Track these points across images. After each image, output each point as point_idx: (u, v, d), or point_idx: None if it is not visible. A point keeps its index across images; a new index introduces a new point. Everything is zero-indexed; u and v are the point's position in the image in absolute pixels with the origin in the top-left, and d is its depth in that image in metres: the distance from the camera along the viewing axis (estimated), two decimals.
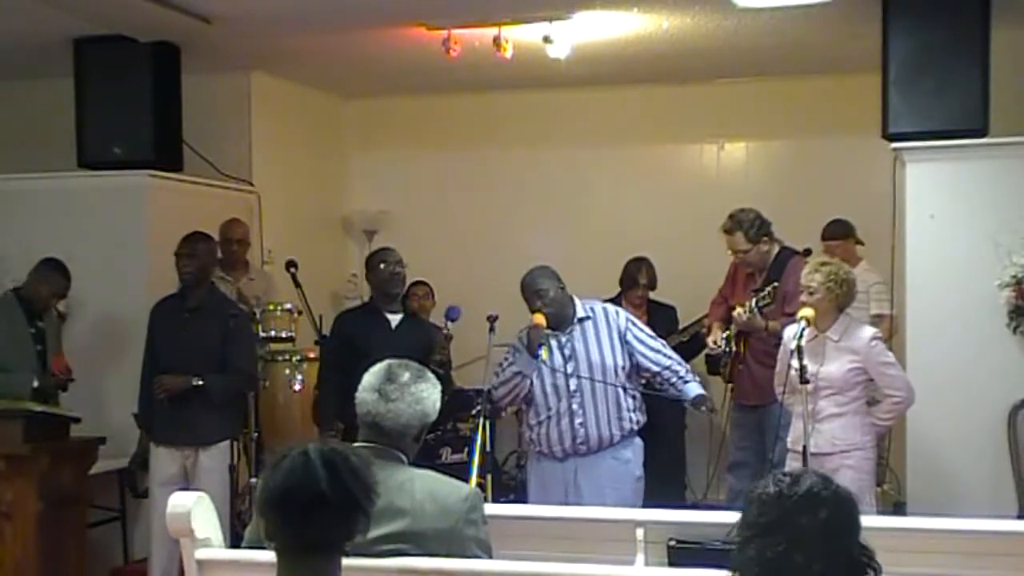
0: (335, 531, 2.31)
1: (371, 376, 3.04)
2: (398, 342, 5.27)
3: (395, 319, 5.62)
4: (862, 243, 6.82)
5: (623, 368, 5.03)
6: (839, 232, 6.77)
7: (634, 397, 5.07)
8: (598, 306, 5.17)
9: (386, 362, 3.08)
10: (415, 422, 3.01)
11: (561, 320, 5.04)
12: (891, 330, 6.20)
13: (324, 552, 2.33)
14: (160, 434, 5.56)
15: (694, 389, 5.12)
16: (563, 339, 5.04)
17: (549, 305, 4.99)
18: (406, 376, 3.02)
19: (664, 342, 5.26)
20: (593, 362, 4.99)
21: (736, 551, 2.18)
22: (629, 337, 5.05)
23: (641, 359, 5.06)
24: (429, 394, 3.04)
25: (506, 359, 5.13)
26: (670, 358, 5.13)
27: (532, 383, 5.07)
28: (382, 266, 5.64)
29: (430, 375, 3.10)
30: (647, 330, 5.20)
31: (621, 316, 5.13)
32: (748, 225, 5.71)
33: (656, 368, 5.08)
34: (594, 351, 5.01)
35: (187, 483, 5.44)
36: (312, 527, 2.29)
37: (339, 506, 2.29)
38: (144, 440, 5.72)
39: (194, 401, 5.44)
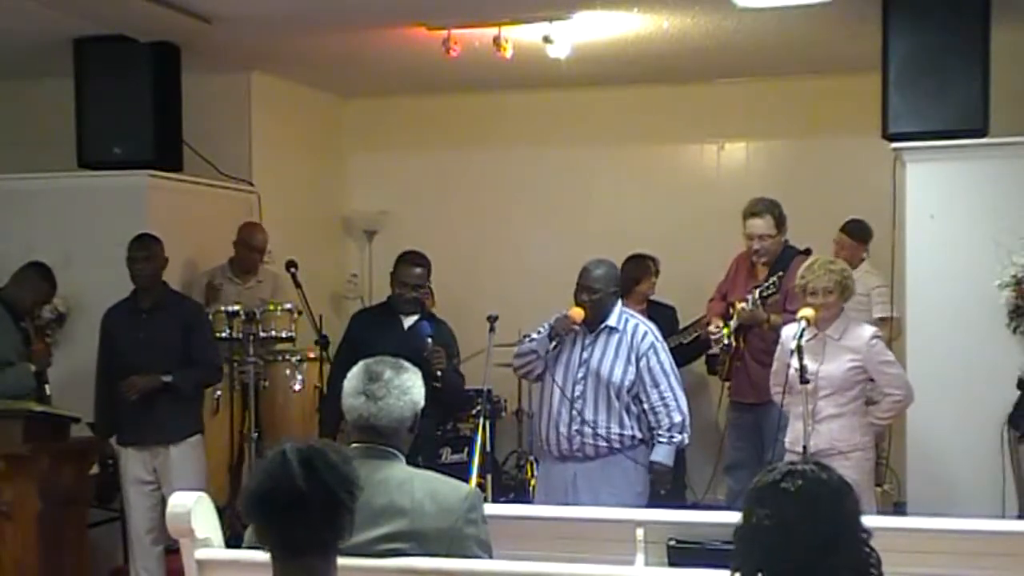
0: (319, 529, 2.29)
1: (352, 380, 3.02)
2: (410, 342, 5.24)
3: (409, 320, 5.53)
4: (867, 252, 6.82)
5: (628, 389, 4.94)
6: (857, 232, 6.78)
7: (637, 416, 4.99)
8: (634, 322, 5.05)
9: (361, 363, 3.05)
10: (408, 414, 3.01)
11: (593, 322, 5.00)
12: (893, 332, 6.19)
13: (315, 552, 2.30)
14: (128, 435, 5.58)
15: (660, 453, 4.97)
16: (586, 342, 5.01)
17: (591, 305, 4.95)
18: (387, 372, 3.00)
19: (678, 389, 5.03)
20: (602, 375, 4.94)
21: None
22: (642, 364, 4.95)
23: (638, 386, 4.96)
24: (413, 383, 3.04)
25: (538, 331, 5.11)
26: (666, 405, 4.96)
27: (544, 377, 5.07)
28: (400, 288, 5.52)
29: (407, 364, 3.08)
30: (669, 368, 5.01)
31: (647, 340, 4.98)
32: (777, 210, 5.72)
33: (644, 404, 4.97)
34: (606, 364, 4.95)
35: (158, 481, 5.50)
36: (295, 526, 2.27)
37: (319, 503, 2.26)
38: (107, 448, 5.71)
39: (162, 399, 5.48)
